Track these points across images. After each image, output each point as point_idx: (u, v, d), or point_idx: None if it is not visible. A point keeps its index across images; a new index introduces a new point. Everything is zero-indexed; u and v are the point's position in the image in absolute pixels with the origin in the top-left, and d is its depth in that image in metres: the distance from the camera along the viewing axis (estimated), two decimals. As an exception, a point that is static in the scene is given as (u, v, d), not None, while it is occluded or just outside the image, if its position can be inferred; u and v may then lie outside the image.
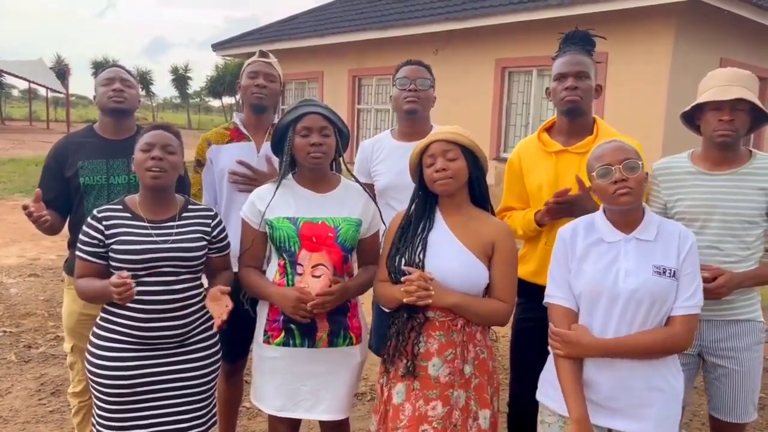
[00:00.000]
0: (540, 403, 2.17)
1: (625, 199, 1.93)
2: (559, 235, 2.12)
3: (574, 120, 2.53)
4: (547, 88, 2.59)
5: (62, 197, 2.69)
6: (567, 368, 1.99)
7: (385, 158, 2.93)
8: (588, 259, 2.02)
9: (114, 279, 2.04)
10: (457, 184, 2.16)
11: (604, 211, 2.07)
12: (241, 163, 2.75)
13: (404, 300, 2.06)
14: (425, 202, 2.24)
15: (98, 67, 49.52)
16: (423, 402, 2.12)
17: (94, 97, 2.78)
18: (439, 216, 2.23)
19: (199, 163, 2.83)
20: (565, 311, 2.05)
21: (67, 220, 2.76)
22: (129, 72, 2.80)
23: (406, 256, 2.17)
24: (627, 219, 2.01)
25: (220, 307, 2.18)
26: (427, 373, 2.13)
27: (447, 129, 2.19)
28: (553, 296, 2.09)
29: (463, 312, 2.12)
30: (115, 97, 2.68)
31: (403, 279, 2.09)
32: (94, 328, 2.27)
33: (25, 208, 2.41)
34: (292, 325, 2.29)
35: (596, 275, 1.98)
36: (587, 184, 2.15)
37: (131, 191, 2.57)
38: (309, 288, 2.21)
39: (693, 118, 2.47)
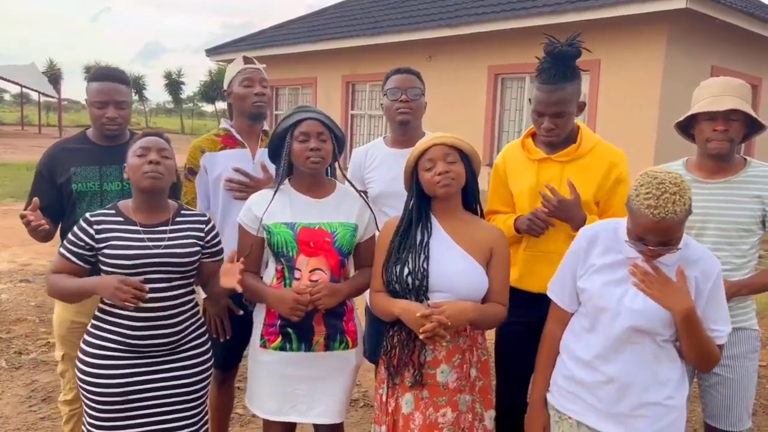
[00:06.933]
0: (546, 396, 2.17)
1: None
2: (577, 238, 2.07)
3: None
4: (530, 99, 2.57)
5: (55, 204, 2.67)
6: (540, 360, 2.16)
7: (378, 165, 2.93)
8: (602, 272, 1.97)
9: (128, 279, 2.04)
10: (458, 186, 2.17)
11: None
12: (237, 170, 2.73)
13: (422, 337, 2.04)
14: (420, 208, 2.24)
15: (91, 72, 49.37)
16: (433, 410, 2.12)
17: (86, 103, 2.74)
18: (435, 222, 2.23)
19: (192, 171, 2.78)
20: (556, 307, 2.14)
21: (59, 226, 2.74)
22: (123, 79, 2.70)
23: (409, 266, 2.15)
24: None
25: (232, 276, 2.14)
26: (436, 381, 2.13)
27: (444, 134, 2.20)
28: (551, 290, 2.16)
29: (477, 322, 2.14)
30: (108, 124, 2.64)
31: (418, 314, 2.04)
32: (85, 336, 2.26)
33: (22, 217, 2.39)
34: (290, 330, 2.29)
35: (603, 289, 1.94)
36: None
37: (124, 198, 2.55)
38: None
39: (687, 127, 2.48)
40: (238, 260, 2.19)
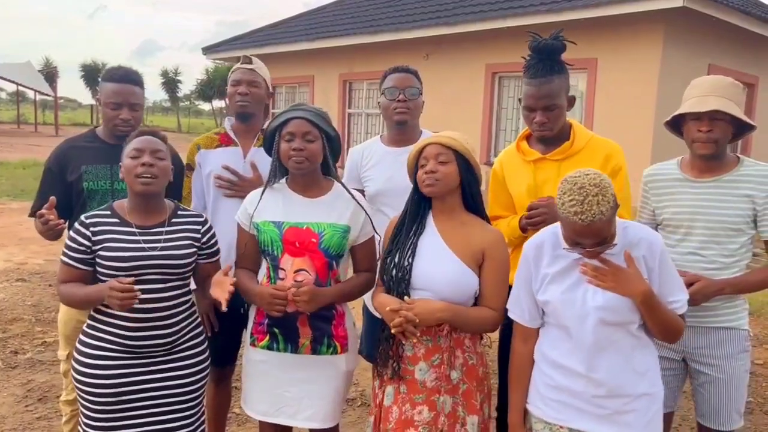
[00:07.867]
0: (527, 409, 2.17)
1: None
2: (524, 251, 2.09)
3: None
4: (520, 99, 2.57)
5: (64, 202, 2.63)
6: (512, 382, 2.15)
7: (375, 164, 2.92)
8: (557, 280, 1.99)
9: (115, 283, 2.01)
10: (445, 186, 2.15)
11: None
12: (226, 168, 2.75)
13: (392, 331, 2.08)
14: (418, 206, 2.25)
15: (87, 70, 49.24)
16: (409, 406, 2.13)
17: (99, 102, 2.71)
18: (430, 221, 2.23)
19: (189, 167, 2.84)
20: (519, 326, 2.13)
21: (67, 224, 2.72)
22: (138, 81, 2.70)
23: (396, 259, 2.17)
24: None
25: (222, 290, 2.12)
26: (414, 377, 2.14)
27: (444, 134, 2.19)
28: (511, 311, 2.15)
29: (451, 322, 2.12)
30: (121, 125, 2.64)
31: (387, 309, 2.08)
32: (81, 336, 2.25)
33: (40, 216, 2.36)
34: (276, 329, 2.28)
35: (564, 296, 1.96)
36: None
37: None
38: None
39: (680, 125, 2.48)
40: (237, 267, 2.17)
